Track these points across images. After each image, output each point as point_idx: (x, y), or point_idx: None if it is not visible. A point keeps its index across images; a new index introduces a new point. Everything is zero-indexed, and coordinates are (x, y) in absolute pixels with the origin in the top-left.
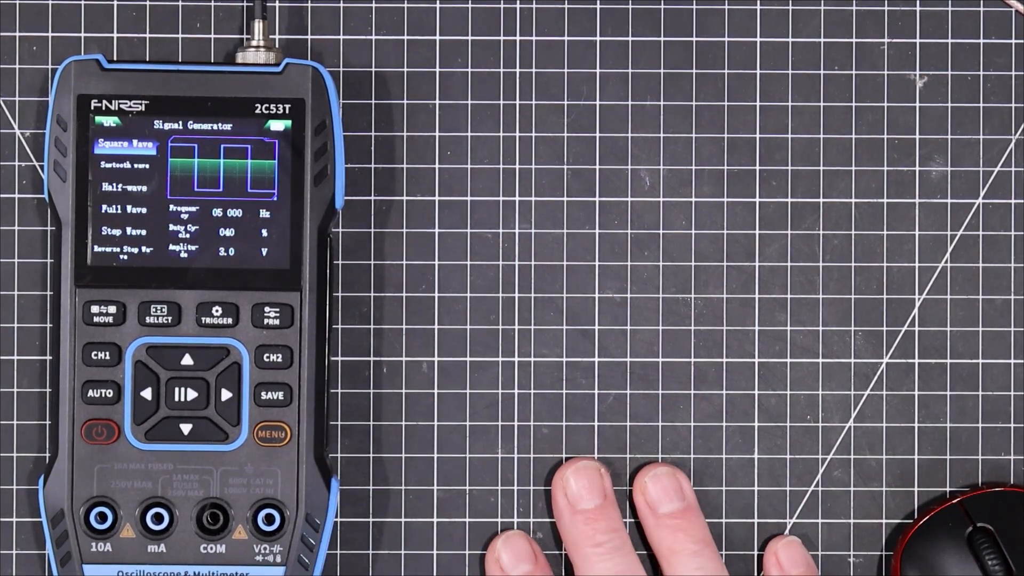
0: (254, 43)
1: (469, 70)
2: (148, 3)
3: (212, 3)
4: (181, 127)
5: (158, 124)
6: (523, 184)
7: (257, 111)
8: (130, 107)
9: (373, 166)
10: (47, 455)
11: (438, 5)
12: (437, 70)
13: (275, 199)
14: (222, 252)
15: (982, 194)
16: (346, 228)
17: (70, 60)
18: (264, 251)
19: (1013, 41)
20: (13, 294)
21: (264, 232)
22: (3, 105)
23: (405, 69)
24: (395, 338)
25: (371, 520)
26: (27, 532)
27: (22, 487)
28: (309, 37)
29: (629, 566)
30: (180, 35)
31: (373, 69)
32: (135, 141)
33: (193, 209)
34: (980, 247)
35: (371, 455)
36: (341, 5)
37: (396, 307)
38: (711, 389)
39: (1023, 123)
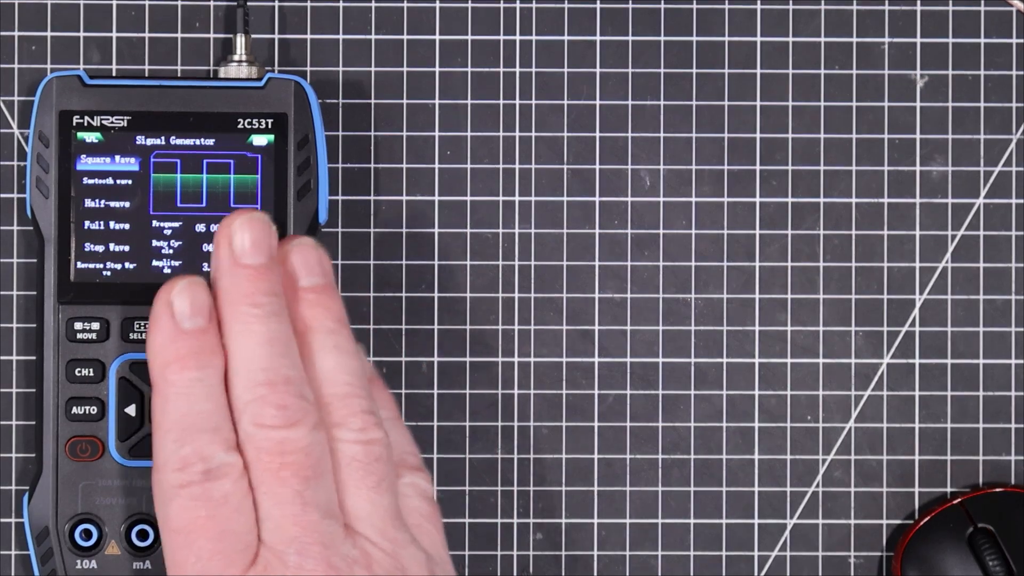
0: (236, 58)
1: (469, 70)
2: (148, 3)
3: (212, 3)
4: (163, 143)
5: (140, 140)
6: (523, 184)
7: (240, 126)
8: (112, 123)
9: (373, 166)
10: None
11: (438, 5)
12: (437, 70)
13: None
14: (206, 268)
15: (982, 194)
16: (346, 228)
17: (51, 76)
18: None
19: (1013, 41)
20: (12, 294)
21: None
22: (2, 105)
23: (405, 69)
24: (395, 338)
25: None
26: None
27: (22, 487)
28: (308, 37)
29: (286, 333)
30: (180, 35)
31: (373, 69)
32: (117, 157)
33: (176, 224)
34: (980, 247)
35: None
36: (341, 5)
37: (395, 307)
38: (711, 389)
39: (1023, 123)
